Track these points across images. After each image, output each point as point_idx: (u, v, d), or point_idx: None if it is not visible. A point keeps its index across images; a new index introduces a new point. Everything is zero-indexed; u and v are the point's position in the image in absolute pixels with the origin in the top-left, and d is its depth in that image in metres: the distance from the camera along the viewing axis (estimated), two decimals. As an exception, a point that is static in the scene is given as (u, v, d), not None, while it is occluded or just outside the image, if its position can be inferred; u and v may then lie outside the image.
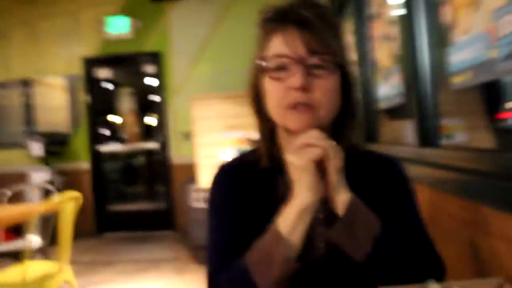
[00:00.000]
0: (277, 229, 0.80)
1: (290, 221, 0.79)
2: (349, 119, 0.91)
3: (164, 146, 5.80)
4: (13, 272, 2.73)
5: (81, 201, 2.94)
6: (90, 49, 5.83)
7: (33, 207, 3.17)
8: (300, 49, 0.83)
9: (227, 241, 0.90)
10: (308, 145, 0.79)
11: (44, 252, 3.34)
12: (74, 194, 2.91)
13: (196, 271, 3.99)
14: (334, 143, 0.80)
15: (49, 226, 3.02)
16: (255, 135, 0.96)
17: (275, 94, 0.85)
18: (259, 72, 0.89)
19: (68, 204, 2.84)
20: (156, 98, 6.01)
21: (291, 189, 0.81)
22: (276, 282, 0.78)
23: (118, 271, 4.19)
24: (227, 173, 0.96)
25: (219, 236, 0.92)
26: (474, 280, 0.65)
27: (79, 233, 4.84)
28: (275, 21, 0.87)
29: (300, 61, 0.82)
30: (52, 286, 2.68)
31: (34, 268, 2.80)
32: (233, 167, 0.97)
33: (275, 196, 0.91)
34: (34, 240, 3.29)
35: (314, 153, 0.78)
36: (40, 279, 2.65)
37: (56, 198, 2.89)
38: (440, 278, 0.85)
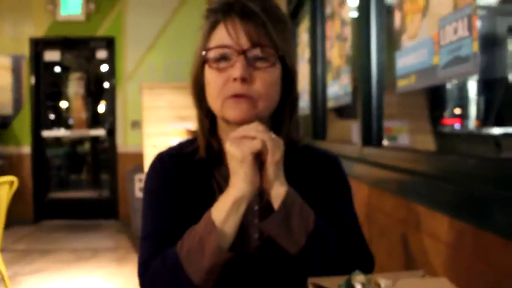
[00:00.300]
0: (211, 218, 0.79)
1: (224, 210, 0.79)
2: (289, 113, 0.91)
3: (111, 133, 5.65)
4: None
5: (16, 185, 2.79)
6: (39, 29, 5.56)
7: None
8: (243, 41, 0.83)
9: (160, 230, 0.89)
10: (248, 137, 0.78)
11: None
12: (8, 178, 2.75)
13: (136, 261, 3.91)
14: (274, 135, 0.80)
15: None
16: (195, 125, 0.96)
17: (215, 84, 0.85)
18: (202, 63, 0.89)
19: (0, 189, 2.69)
20: (106, 84, 5.83)
21: (229, 180, 0.81)
22: (207, 272, 0.78)
23: (53, 260, 4.03)
24: (164, 162, 0.95)
25: (153, 224, 0.90)
26: (398, 272, 0.67)
27: (15, 220, 4.64)
28: (220, 12, 0.86)
29: (241, 52, 0.82)
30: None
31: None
32: (170, 156, 0.96)
33: (213, 187, 0.91)
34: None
35: (253, 145, 0.78)
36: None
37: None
38: (368, 271, 0.87)
